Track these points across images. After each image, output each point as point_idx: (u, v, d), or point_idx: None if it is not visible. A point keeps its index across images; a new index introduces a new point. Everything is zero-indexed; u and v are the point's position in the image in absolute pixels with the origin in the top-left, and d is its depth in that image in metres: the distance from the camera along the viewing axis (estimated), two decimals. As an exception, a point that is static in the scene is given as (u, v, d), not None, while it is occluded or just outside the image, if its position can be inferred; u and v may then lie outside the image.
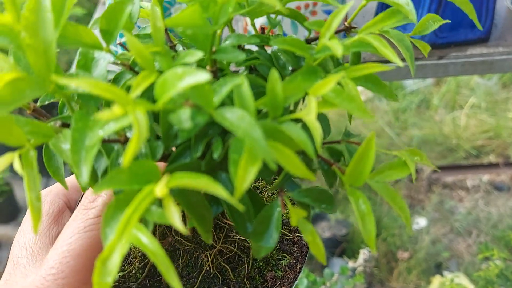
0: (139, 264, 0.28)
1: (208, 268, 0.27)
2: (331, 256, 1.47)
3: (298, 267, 0.29)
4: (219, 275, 0.27)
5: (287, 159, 0.19)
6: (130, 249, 0.29)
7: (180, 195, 0.20)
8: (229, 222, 0.28)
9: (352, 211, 1.74)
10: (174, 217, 0.17)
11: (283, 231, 0.30)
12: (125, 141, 0.21)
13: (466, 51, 0.73)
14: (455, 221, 1.84)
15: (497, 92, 2.31)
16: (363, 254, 1.15)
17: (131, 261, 0.28)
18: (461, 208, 1.97)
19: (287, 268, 0.28)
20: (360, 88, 0.23)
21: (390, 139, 2.21)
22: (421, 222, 1.84)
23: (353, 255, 1.48)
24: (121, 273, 0.29)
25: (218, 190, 0.17)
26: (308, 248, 0.29)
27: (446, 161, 2.25)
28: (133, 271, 0.28)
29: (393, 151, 0.27)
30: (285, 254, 0.29)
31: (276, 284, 0.28)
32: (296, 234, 0.30)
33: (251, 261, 0.27)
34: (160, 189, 0.18)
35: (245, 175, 0.18)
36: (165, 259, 0.16)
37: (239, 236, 0.28)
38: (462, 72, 0.74)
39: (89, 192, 0.27)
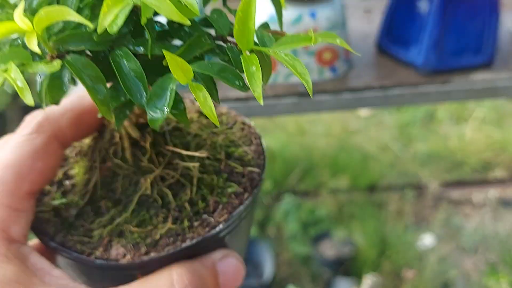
0: (82, 193, 0.28)
1: (148, 192, 0.27)
2: (334, 276, 1.45)
3: (245, 196, 0.28)
4: (160, 199, 0.27)
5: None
6: (75, 180, 0.29)
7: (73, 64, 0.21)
8: (172, 149, 0.29)
9: (356, 229, 1.72)
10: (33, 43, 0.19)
11: (233, 164, 0.29)
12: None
13: (469, 77, 0.71)
14: (462, 238, 1.81)
15: (504, 105, 2.28)
16: (368, 279, 1.13)
17: (74, 191, 0.29)
18: (468, 225, 1.94)
19: (233, 195, 0.28)
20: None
21: (394, 153, 2.19)
22: (427, 239, 1.81)
23: (357, 275, 1.45)
24: (64, 201, 0.29)
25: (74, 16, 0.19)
26: (260, 180, 0.29)
27: (451, 176, 2.22)
28: (76, 200, 0.28)
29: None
30: (232, 184, 0.28)
31: (218, 208, 0.27)
32: (248, 168, 0.29)
33: (194, 188, 0.27)
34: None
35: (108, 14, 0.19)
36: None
37: (183, 164, 0.28)
38: (466, 98, 0.73)
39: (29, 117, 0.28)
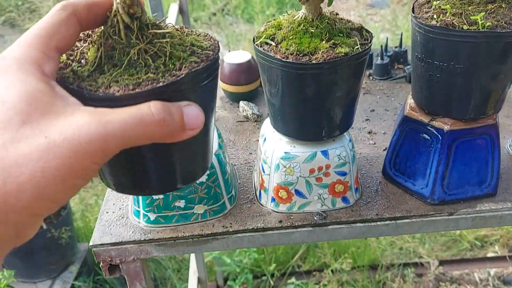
0: (92, 63, 0.42)
1: (135, 58, 0.41)
2: None
3: (202, 64, 0.42)
4: (143, 63, 0.41)
5: None
6: (88, 57, 0.43)
7: None
8: (152, 31, 0.42)
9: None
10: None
11: (195, 48, 0.44)
12: None
13: (475, 207, 0.75)
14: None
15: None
16: None
17: (87, 63, 0.42)
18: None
19: (193, 62, 0.41)
20: None
21: (394, 234, 2.18)
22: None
23: None
24: (80, 68, 0.42)
25: None
26: (213, 58, 0.44)
27: (450, 252, 2.23)
28: (88, 67, 0.42)
29: None
30: (193, 57, 0.43)
31: (182, 67, 0.40)
32: (205, 51, 0.44)
33: (167, 58, 0.41)
34: None
35: None
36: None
37: (159, 42, 0.42)
38: (473, 226, 0.76)
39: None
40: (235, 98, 1.07)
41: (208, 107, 0.45)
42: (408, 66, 1.12)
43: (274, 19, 0.71)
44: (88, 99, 0.38)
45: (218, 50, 0.45)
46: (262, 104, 1.07)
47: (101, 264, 0.73)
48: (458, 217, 0.75)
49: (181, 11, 1.86)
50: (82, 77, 0.41)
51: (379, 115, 1.01)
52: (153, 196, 0.72)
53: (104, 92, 0.38)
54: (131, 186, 0.46)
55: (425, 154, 0.74)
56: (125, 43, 0.42)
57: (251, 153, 0.91)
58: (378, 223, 0.74)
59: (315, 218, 0.75)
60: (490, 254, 2.20)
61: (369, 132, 0.95)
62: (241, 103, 1.03)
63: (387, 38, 1.18)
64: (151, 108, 0.35)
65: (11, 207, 0.30)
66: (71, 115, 0.33)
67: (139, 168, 0.44)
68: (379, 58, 1.13)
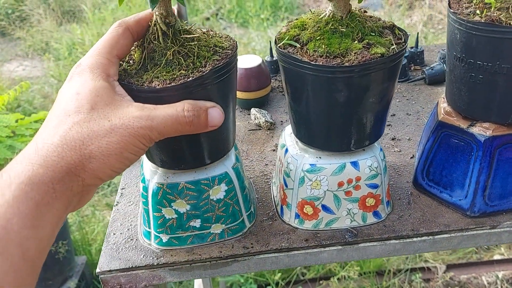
0: (138, 63, 0.55)
1: (171, 58, 0.53)
2: None
3: (222, 61, 0.55)
4: (177, 62, 0.53)
5: None
6: (135, 59, 0.57)
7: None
8: (184, 36, 0.55)
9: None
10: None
11: (217, 48, 0.58)
12: None
13: (518, 219, 0.69)
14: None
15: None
16: None
17: (134, 63, 0.56)
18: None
19: (215, 60, 0.55)
20: None
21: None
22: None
23: None
24: (128, 66, 0.56)
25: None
26: (232, 56, 0.57)
27: (456, 256, 2.18)
28: (135, 66, 0.55)
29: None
30: (216, 55, 0.56)
31: (207, 65, 0.54)
32: (225, 50, 0.58)
33: (195, 57, 0.54)
34: None
35: None
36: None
37: (189, 45, 0.55)
38: (516, 240, 0.69)
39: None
40: (246, 105, 1.00)
41: (228, 96, 0.59)
42: (427, 67, 1.06)
43: (297, 19, 0.65)
44: (136, 91, 0.52)
45: (236, 48, 0.57)
46: (275, 110, 1.00)
47: (109, 292, 0.66)
48: (501, 230, 0.68)
49: (179, 14, 1.79)
50: (131, 74, 0.54)
51: (401, 119, 0.95)
52: (165, 215, 0.64)
53: (148, 86, 0.52)
54: (171, 162, 0.61)
55: (464, 163, 0.68)
56: (163, 46, 0.54)
57: (267, 164, 0.84)
58: (414, 239, 0.68)
59: (345, 236, 0.68)
60: (496, 257, 2.15)
61: (393, 139, 0.89)
62: (253, 110, 0.96)
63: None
64: (184, 111, 0.50)
65: (84, 168, 0.44)
66: (127, 107, 0.47)
67: (177, 147, 0.59)
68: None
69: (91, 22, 4.28)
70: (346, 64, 0.56)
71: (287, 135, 0.72)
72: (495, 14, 0.57)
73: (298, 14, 4.76)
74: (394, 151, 0.85)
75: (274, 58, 1.11)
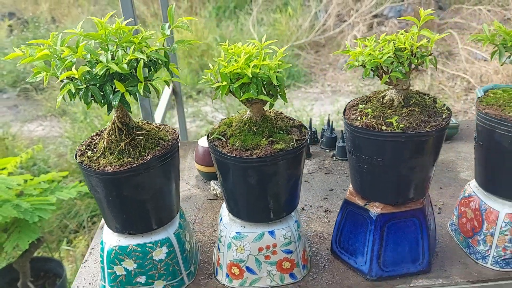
0: (100, 151, 0.76)
1: (123, 148, 0.75)
2: None
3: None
4: (130, 151, 0.76)
5: None
6: (98, 147, 0.77)
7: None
8: (135, 132, 0.76)
9: None
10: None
11: (159, 138, 0.80)
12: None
13: (410, 283, 0.82)
14: None
15: None
16: None
17: (97, 150, 0.77)
18: None
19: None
20: None
21: None
22: None
23: None
24: (91, 154, 0.76)
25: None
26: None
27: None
28: (96, 154, 0.76)
29: None
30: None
31: (150, 154, 0.75)
32: None
33: (142, 148, 0.75)
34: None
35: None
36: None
37: (138, 139, 0.76)
38: (410, 301, 0.82)
39: None
40: (207, 177, 1.17)
41: (170, 175, 0.78)
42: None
43: (228, 118, 0.83)
44: (94, 174, 0.71)
45: (177, 140, 0.78)
46: (232, 183, 1.17)
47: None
48: (395, 293, 0.82)
49: (174, 92, 2.02)
50: (92, 160, 0.74)
51: (337, 194, 1.10)
52: (116, 272, 0.80)
53: (102, 170, 0.71)
54: (122, 228, 0.77)
55: (363, 234, 0.83)
56: (118, 139, 0.74)
57: (215, 230, 1.00)
58: (323, 298, 0.82)
59: (265, 293, 0.82)
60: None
61: (325, 211, 1.04)
62: (212, 182, 1.14)
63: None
64: None
65: None
66: None
67: (126, 216, 0.76)
68: (341, 141, 1.24)
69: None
70: (254, 156, 0.73)
71: (224, 208, 0.88)
72: (369, 121, 0.75)
73: (304, 82, 5.05)
74: (324, 221, 1.00)
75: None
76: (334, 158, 1.26)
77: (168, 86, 0.70)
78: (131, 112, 0.75)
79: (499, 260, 0.83)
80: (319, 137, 1.36)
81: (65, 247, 2.72)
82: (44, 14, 6.71)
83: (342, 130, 1.25)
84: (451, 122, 1.33)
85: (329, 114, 1.42)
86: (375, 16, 6.00)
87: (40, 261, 2.40)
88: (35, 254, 2.49)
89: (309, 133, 1.25)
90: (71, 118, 4.32)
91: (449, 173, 1.18)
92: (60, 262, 2.27)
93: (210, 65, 0.75)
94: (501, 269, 0.83)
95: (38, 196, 2.06)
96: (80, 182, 3.00)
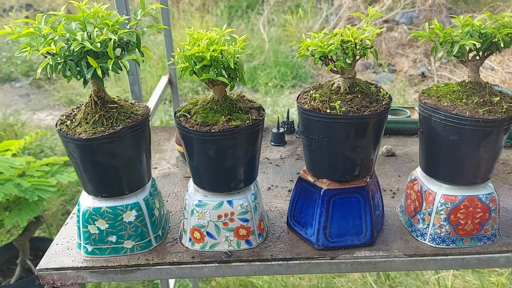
0: (77, 121, 0.87)
1: (97, 119, 0.86)
2: None
3: None
4: (100, 122, 0.87)
5: None
6: (77, 118, 0.88)
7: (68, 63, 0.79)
8: (109, 105, 0.88)
9: None
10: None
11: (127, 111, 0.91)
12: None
13: (353, 254, 0.91)
14: None
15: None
16: None
17: (76, 120, 0.88)
18: None
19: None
20: None
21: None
22: None
23: None
24: (70, 123, 0.87)
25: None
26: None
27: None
28: (74, 123, 0.87)
29: None
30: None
31: (121, 124, 0.86)
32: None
33: (114, 120, 0.87)
34: None
35: None
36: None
37: (112, 111, 0.88)
38: (352, 270, 0.91)
39: None
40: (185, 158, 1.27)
41: (141, 145, 0.88)
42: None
43: (194, 98, 0.93)
44: (70, 140, 0.82)
45: (148, 115, 0.88)
46: (208, 163, 1.27)
47: (45, 286, 0.91)
48: (339, 261, 0.90)
49: (170, 82, 2.13)
50: (70, 128, 0.84)
51: (303, 177, 1.19)
52: (90, 231, 0.90)
53: (77, 136, 0.81)
54: (97, 191, 0.88)
55: (312, 208, 0.92)
56: (94, 111, 0.84)
57: (187, 203, 1.10)
58: (273, 262, 0.91)
59: (222, 256, 0.91)
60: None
61: (289, 191, 1.13)
62: (189, 162, 1.23)
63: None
64: None
65: None
66: None
67: (99, 180, 0.87)
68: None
69: (111, 79, 4.75)
70: (213, 131, 0.82)
71: (190, 181, 0.98)
72: (316, 105, 0.84)
73: (311, 83, 5.14)
74: (286, 200, 1.10)
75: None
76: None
77: (139, 65, 0.80)
78: (104, 87, 0.85)
79: (435, 237, 0.92)
80: (296, 127, 1.45)
81: (64, 229, 2.84)
82: (59, 6, 6.90)
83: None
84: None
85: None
86: (386, 21, 6.07)
87: (40, 241, 2.53)
88: (35, 235, 2.61)
89: (286, 121, 1.34)
90: (79, 108, 4.44)
91: (410, 163, 1.26)
92: (58, 241, 2.38)
93: (178, 49, 0.84)
94: (437, 246, 0.92)
95: (39, 178, 2.18)
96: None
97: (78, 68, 0.77)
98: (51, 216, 3.02)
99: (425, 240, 0.93)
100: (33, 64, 5.46)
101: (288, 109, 1.44)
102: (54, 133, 4.14)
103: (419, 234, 0.94)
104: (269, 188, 1.16)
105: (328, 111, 0.82)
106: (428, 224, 0.92)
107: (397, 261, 0.90)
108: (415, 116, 1.46)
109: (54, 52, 0.75)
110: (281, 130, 1.38)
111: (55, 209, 3.04)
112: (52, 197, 2.88)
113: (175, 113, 0.90)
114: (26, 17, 6.53)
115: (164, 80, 2.04)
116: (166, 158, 1.32)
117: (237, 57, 0.83)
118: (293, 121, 1.44)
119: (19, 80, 5.40)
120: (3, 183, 2.05)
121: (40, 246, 2.48)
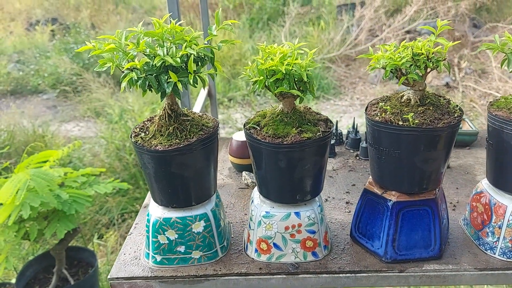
0: (151, 133, 0.90)
1: (172, 131, 0.88)
2: None
3: None
4: (178, 133, 0.89)
5: None
6: (150, 130, 0.91)
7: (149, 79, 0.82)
8: (182, 118, 0.90)
9: None
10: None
11: (202, 125, 0.92)
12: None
13: (422, 267, 0.90)
14: None
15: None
16: None
17: (149, 132, 0.90)
18: None
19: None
20: None
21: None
22: None
23: None
24: (144, 135, 0.89)
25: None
26: None
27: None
28: (148, 135, 0.89)
29: None
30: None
31: (194, 137, 0.87)
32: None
33: (187, 132, 0.88)
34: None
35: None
36: None
37: (185, 123, 0.90)
38: (421, 284, 0.90)
39: None
40: (239, 169, 1.28)
41: (210, 157, 0.89)
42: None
43: (262, 110, 0.94)
44: (146, 151, 0.84)
45: (217, 127, 0.90)
46: (262, 175, 1.28)
47: (116, 295, 0.92)
48: (408, 275, 0.90)
49: (209, 94, 2.16)
50: (145, 140, 0.86)
51: (358, 189, 1.19)
52: (160, 241, 0.91)
53: (153, 148, 0.83)
54: (167, 202, 0.89)
55: (380, 220, 0.92)
56: (167, 124, 0.87)
57: (245, 214, 1.11)
58: (341, 275, 0.91)
59: (289, 268, 0.92)
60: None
61: (347, 203, 1.13)
62: (244, 173, 1.25)
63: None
64: None
65: None
66: None
67: (171, 191, 0.88)
68: (364, 142, 1.34)
69: (139, 92, 4.82)
70: (285, 143, 0.83)
71: (255, 192, 0.99)
72: (388, 117, 0.84)
73: (333, 94, 5.14)
74: (345, 211, 1.10)
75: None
76: (358, 157, 1.35)
77: (213, 79, 0.82)
78: (180, 100, 0.87)
79: (506, 251, 0.91)
80: (344, 138, 1.45)
81: (96, 240, 2.87)
82: (84, 20, 7.05)
83: (365, 132, 1.34)
84: (471, 129, 1.40)
85: (354, 117, 1.51)
86: (408, 32, 6.05)
87: (75, 250, 2.56)
88: (70, 244, 2.65)
89: (335, 132, 1.35)
90: (107, 119, 4.53)
91: (466, 175, 1.25)
92: (93, 252, 2.41)
93: (243, 72, 0.86)
94: (508, 260, 0.91)
95: (78, 189, 2.22)
96: (116, 178, 3.16)
97: (157, 82, 0.79)
98: (83, 225, 3.06)
99: (495, 253, 0.92)
100: (59, 76, 5.57)
101: (337, 121, 1.44)
102: (82, 145, 4.20)
103: (488, 248, 0.93)
104: (326, 199, 1.16)
105: (400, 123, 0.83)
106: (499, 238, 0.91)
107: (467, 275, 0.90)
108: (466, 127, 1.45)
109: (136, 67, 0.77)
110: (332, 141, 1.39)
111: (89, 218, 3.08)
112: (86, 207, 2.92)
113: (244, 125, 0.92)
114: (52, 30, 6.68)
115: (203, 93, 2.07)
116: (219, 169, 1.34)
117: (308, 70, 0.84)
118: (341, 132, 1.44)
119: (46, 92, 5.52)
120: (44, 193, 2.08)
121: (75, 255, 2.51)
